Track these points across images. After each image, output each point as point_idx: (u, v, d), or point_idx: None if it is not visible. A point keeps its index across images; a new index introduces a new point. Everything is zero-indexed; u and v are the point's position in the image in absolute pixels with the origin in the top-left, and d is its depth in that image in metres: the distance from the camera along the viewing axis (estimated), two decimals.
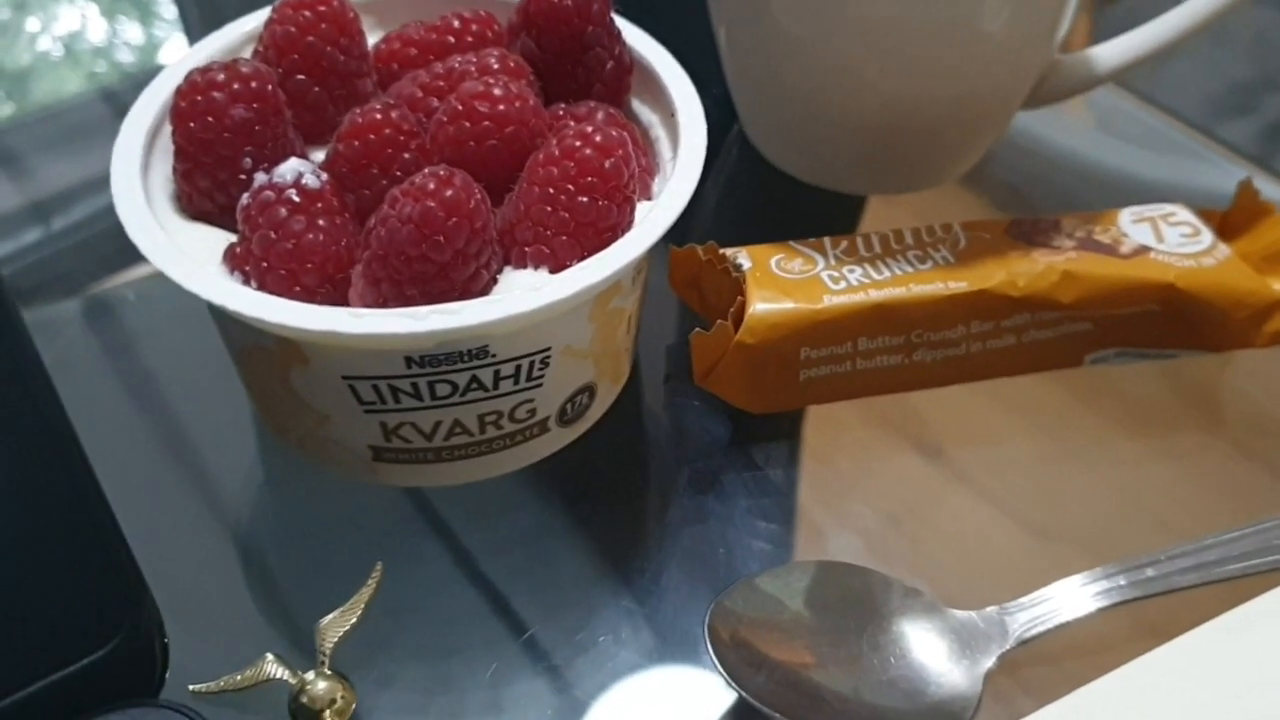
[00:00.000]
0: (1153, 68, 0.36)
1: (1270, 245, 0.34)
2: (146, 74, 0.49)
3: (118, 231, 0.27)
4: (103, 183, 0.28)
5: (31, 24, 0.51)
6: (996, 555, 0.31)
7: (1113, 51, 0.37)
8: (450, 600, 0.29)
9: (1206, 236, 0.34)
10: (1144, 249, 0.33)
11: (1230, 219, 0.35)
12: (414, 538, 0.31)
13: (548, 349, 0.27)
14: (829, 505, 0.32)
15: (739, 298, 0.31)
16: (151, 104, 0.30)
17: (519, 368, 0.27)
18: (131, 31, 0.51)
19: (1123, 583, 0.28)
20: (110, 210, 0.27)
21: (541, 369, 0.28)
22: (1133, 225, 0.34)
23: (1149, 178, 0.42)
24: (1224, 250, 0.34)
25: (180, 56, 0.31)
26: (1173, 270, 0.33)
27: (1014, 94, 0.38)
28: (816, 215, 0.40)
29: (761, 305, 0.31)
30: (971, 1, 0.33)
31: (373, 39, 0.33)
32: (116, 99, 0.47)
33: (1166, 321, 0.33)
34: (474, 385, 0.27)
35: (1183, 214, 0.35)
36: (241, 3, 0.34)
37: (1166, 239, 0.34)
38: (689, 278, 0.34)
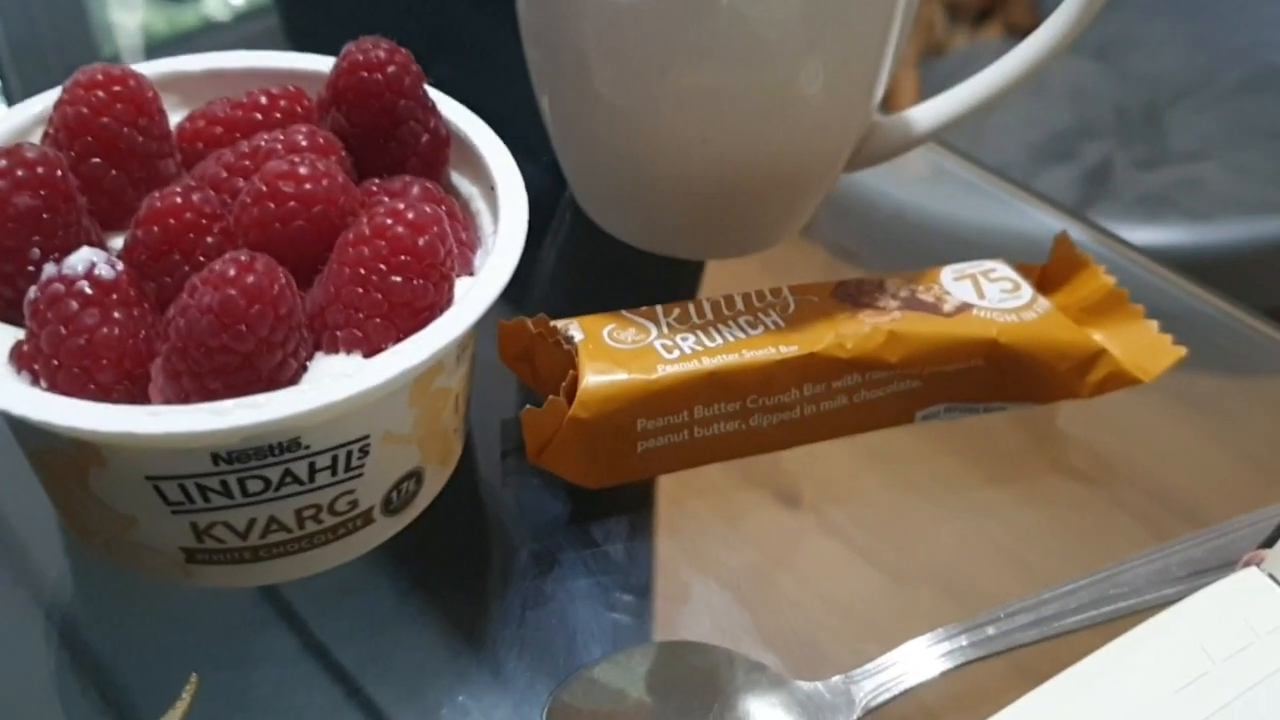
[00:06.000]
0: (974, 121, 0.37)
1: (1088, 297, 0.35)
2: None
3: None
4: None
5: None
6: (852, 612, 0.31)
7: (930, 112, 0.38)
8: (274, 705, 0.27)
9: (1026, 291, 0.35)
10: (966, 306, 0.34)
11: (1049, 272, 0.36)
12: (235, 642, 0.29)
13: (365, 437, 0.26)
14: (674, 578, 0.31)
15: (571, 371, 0.31)
16: None
17: (335, 459, 0.26)
18: None
19: (964, 643, 0.28)
20: None
21: (361, 458, 0.26)
22: (954, 283, 0.35)
23: (973, 232, 0.43)
24: (1044, 304, 0.34)
25: None
26: (995, 326, 0.33)
27: (836, 156, 0.38)
28: (654, 282, 0.39)
29: (594, 378, 0.30)
30: (788, 68, 0.33)
31: (175, 118, 0.31)
32: None
33: (992, 376, 0.33)
34: (288, 479, 0.26)
35: (1002, 269, 0.35)
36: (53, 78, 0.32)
37: (988, 295, 0.34)
38: (520, 352, 0.33)
